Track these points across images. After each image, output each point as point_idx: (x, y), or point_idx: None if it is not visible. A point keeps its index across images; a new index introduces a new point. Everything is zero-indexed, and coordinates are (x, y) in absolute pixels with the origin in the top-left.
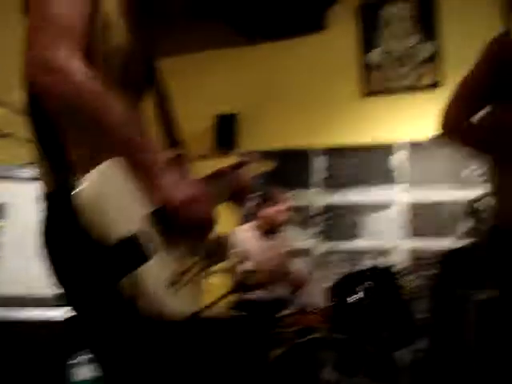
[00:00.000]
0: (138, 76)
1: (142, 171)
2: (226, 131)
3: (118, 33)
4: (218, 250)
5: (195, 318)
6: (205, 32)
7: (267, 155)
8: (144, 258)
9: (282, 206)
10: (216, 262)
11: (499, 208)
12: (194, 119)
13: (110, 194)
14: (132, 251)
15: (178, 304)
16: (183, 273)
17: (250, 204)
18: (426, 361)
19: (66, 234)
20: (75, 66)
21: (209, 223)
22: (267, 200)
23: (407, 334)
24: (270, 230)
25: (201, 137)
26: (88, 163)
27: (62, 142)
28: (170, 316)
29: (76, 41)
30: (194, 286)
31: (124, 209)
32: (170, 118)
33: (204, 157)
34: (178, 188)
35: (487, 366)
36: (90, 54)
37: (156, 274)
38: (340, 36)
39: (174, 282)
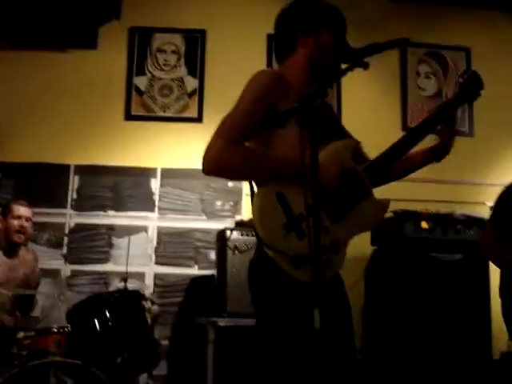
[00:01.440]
0: None
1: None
2: None
3: None
4: None
5: None
6: None
7: (21, 168)
8: None
9: (23, 221)
10: None
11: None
12: None
13: None
14: None
15: None
16: None
17: None
18: None
19: None
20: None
21: None
22: (8, 213)
23: (148, 359)
24: (12, 246)
25: None
26: None
27: None
28: None
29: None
30: None
31: None
32: None
33: None
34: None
35: None
36: None
37: None
38: (110, 55)
39: None
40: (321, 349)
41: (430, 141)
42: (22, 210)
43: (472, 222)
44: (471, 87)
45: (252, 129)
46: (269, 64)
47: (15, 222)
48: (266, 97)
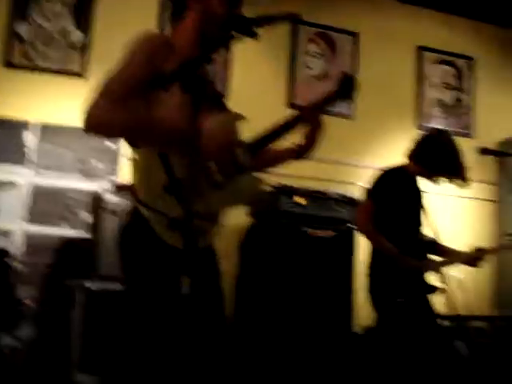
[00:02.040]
0: None
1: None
2: None
3: None
4: None
5: None
6: None
7: None
8: None
9: None
10: None
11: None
12: None
13: None
14: None
15: None
16: None
17: None
18: (27, 348)
19: None
20: None
21: None
22: None
23: (10, 319)
24: None
25: None
26: None
27: None
28: None
29: None
30: None
31: None
32: None
33: None
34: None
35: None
36: None
37: None
38: None
39: None
40: (188, 314)
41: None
42: None
43: (345, 201)
44: (346, 87)
45: (134, 90)
46: (160, 27)
47: None
48: (148, 59)
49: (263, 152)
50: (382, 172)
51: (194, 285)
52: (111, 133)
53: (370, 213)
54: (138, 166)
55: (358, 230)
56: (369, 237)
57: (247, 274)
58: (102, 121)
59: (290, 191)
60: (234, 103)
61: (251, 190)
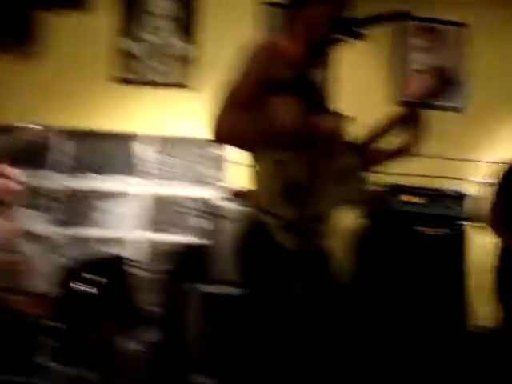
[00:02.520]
0: None
1: None
2: None
3: None
4: None
5: None
6: None
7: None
8: None
9: (9, 182)
10: None
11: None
12: None
13: None
14: None
15: None
16: None
17: None
18: (154, 352)
19: None
20: None
21: None
22: None
23: (133, 325)
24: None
25: None
26: None
27: None
28: None
29: None
30: None
31: None
32: None
33: None
34: None
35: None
36: None
37: None
38: (99, 18)
39: None
40: (302, 317)
41: None
42: (8, 170)
43: (459, 197)
44: (447, 81)
45: (253, 99)
46: (263, 29)
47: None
48: (265, 67)
49: (370, 151)
50: (510, 165)
51: (307, 288)
52: (241, 143)
53: (501, 208)
54: (257, 172)
55: (488, 226)
56: (500, 234)
57: (362, 274)
58: (232, 132)
59: (402, 190)
60: (339, 103)
61: (359, 190)
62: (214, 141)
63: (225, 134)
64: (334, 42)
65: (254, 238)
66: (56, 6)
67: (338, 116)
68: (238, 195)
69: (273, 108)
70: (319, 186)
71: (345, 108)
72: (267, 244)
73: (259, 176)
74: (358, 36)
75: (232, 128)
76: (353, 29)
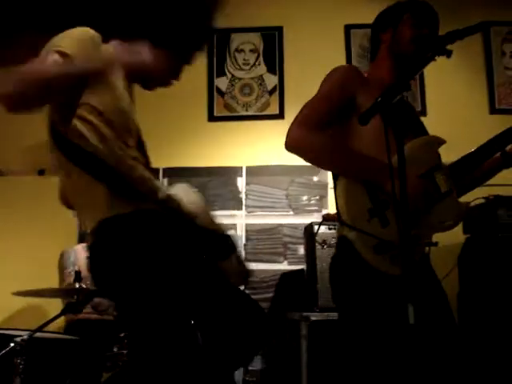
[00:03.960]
0: None
1: None
2: None
3: None
4: None
5: None
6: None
7: None
8: None
9: None
10: None
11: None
12: (36, 133)
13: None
14: None
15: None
16: None
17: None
18: (260, 381)
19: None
20: None
21: None
22: None
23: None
24: None
25: (42, 150)
26: None
27: None
28: None
29: None
30: None
31: None
32: None
33: (43, 172)
34: None
35: None
36: None
37: None
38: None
39: None
40: (415, 343)
41: None
42: None
43: None
44: None
45: (329, 117)
46: (348, 55)
47: None
48: (341, 87)
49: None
50: None
51: (419, 312)
52: (308, 157)
53: None
54: (341, 191)
55: None
56: None
57: (468, 291)
58: (300, 144)
59: (507, 201)
60: (433, 121)
61: (456, 213)
62: (286, 149)
63: (294, 145)
64: (424, 60)
65: (342, 260)
66: None
67: (431, 138)
68: (329, 218)
69: (352, 133)
70: (418, 204)
71: (439, 125)
72: (355, 265)
73: (342, 193)
74: (446, 53)
75: (300, 141)
76: (438, 45)
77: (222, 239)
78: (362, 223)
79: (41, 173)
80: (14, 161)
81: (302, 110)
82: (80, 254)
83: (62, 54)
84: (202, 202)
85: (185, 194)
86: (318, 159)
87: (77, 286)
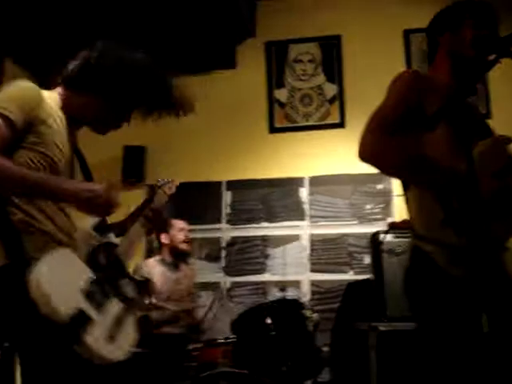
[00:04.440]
0: None
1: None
2: (134, 163)
3: None
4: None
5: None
6: None
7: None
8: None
9: (182, 236)
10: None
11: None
12: (103, 150)
13: (58, 281)
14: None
15: (115, 351)
16: (113, 326)
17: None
18: None
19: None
20: None
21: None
22: (171, 228)
23: (312, 367)
24: (174, 261)
25: (109, 168)
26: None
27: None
28: (109, 361)
29: None
30: (126, 330)
31: (67, 291)
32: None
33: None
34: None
35: None
36: None
37: (96, 333)
38: (249, 72)
39: (111, 336)
40: (491, 353)
41: None
42: (183, 223)
43: None
44: None
45: (397, 124)
46: (407, 60)
47: (180, 234)
48: (406, 94)
49: None
50: None
51: (494, 321)
52: (383, 165)
53: None
54: (413, 201)
55: None
56: None
57: None
58: (374, 151)
59: None
60: (500, 122)
61: None
62: (360, 158)
63: (367, 153)
64: (488, 63)
65: (418, 270)
66: (210, 69)
67: (500, 138)
68: (396, 227)
69: (421, 141)
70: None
71: (508, 126)
72: (433, 274)
73: (414, 203)
74: (509, 54)
75: (373, 147)
76: (504, 48)
77: None
78: (436, 231)
79: None
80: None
81: (369, 119)
82: (153, 267)
83: (4, 118)
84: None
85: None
86: (393, 165)
87: (146, 301)
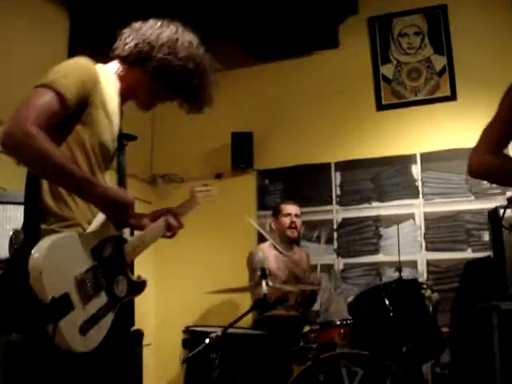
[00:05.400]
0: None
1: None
2: (242, 149)
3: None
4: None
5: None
6: (214, 53)
7: (286, 172)
8: (65, 311)
9: (293, 217)
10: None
11: None
12: (212, 138)
13: (56, 261)
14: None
15: (84, 342)
16: (91, 319)
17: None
18: (449, 375)
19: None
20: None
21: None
22: (278, 213)
23: (433, 347)
24: (286, 246)
25: (218, 155)
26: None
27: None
28: (78, 351)
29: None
30: (101, 326)
31: (61, 273)
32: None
33: (220, 176)
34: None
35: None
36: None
37: (72, 321)
38: (353, 50)
39: (85, 329)
40: None
41: None
42: (290, 208)
43: None
44: None
45: (507, 133)
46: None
47: (286, 219)
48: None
49: None
50: None
51: None
52: (489, 180)
53: None
54: None
55: None
56: None
57: None
58: (483, 171)
59: None
60: None
61: None
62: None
63: (477, 171)
64: None
65: None
66: (313, 49)
67: None
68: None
69: None
70: None
71: None
72: None
73: None
74: None
75: (484, 167)
76: None
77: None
78: None
79: (218, 177)
80: (193, 167)
81: (483, 130)
82: (268, 252)
83: (58, 95)
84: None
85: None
86: (497, 181)
87: (263, 283)
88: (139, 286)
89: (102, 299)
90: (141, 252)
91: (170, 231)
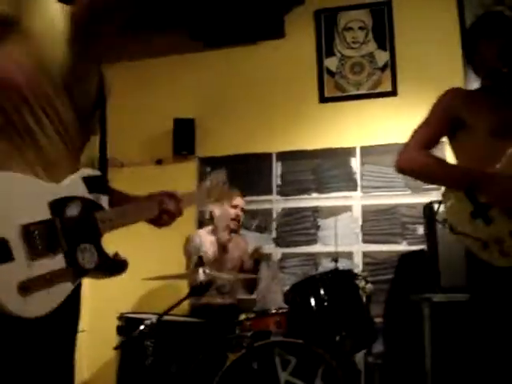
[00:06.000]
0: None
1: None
2: (184, 136)
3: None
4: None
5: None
6: (162, 38)
7: (228, 160)
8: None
9: (239, 210)
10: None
11: None
12: (153, 124)
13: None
14: None
15: (22, 305)
16: (37, 280)
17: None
18: (382, 364)
19: None
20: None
21: None
22: (219, 201)
23: (365, 337)
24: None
25: (160, 141)
26: None
27: None
28: (13, 312)
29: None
30: (51, 293)
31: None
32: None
33: (161, 162)
34: None
35: (442, 368)
36: None
37: (8, 273)
38: (298, 42)
39: (26, 287)
40: None
41: None
42: (239, 201)
43: None
44: None
45: (434, 139)
46: (462, 25)
47: (232, 211)
48: (443, 110)
49: None
50: None
51: None
52: (416, 176)
53: None
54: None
55: None
56: None
57: None
58: (408, 166)
59: None
60: None
61: None
62: (396, 170)
63: (404, 167)
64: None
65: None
66: (258, 39)
67: None
68: None
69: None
70: None
71: None
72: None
73: (447, 197)
74: None
75: (408, 162)
76: None
77: None
78: (465, 225)
79: (158, 162)
80: (133, 152)
81: (413, 132)
82: (205, 237)
83: None
84: None
85: None
86: (423, 177)
87: (200, 270)
88: (116, 265)
89: (56, 262)
90: (115, 228)
91: (163, 218)
